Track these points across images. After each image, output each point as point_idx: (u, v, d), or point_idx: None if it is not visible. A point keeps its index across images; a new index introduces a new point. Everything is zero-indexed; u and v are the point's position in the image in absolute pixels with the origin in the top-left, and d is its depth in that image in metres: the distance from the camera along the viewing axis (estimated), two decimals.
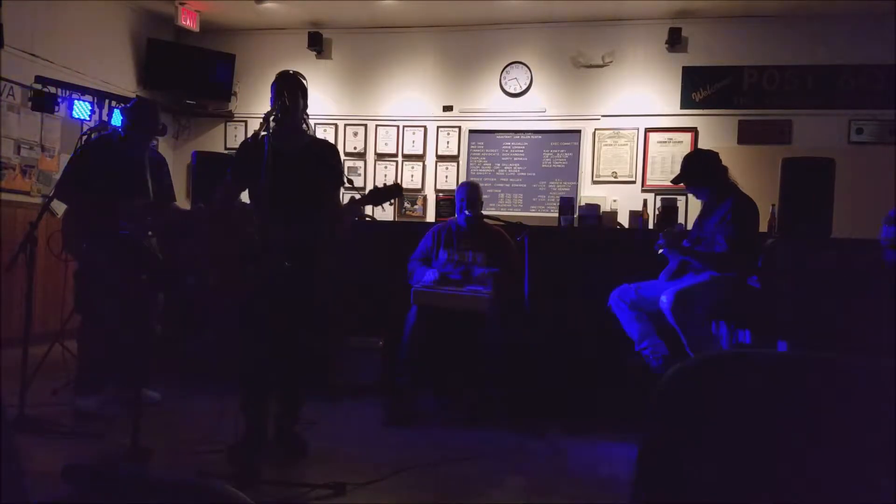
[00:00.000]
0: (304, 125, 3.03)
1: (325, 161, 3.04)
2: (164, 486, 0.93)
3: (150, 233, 3.66)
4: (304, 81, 3.00)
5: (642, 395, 0.82)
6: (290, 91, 2.88)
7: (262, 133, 2.73)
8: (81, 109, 5.68)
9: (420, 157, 7.21)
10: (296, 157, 2.91)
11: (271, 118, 2.77)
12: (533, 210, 6.90)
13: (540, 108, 6.99)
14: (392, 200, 2.99)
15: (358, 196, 2.95)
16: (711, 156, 3.77)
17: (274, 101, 2.86)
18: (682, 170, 3.80)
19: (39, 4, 5.73)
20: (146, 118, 3.72)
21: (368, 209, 4.18)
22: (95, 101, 5.66)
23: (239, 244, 2.84)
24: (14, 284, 4.52)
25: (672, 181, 3.85)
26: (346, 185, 3.07)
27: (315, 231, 2.91)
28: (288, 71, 3.01)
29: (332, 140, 7.26)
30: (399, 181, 7.16)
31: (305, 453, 3.04)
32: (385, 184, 3.01)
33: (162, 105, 4.64)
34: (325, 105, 7.27)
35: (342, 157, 7.10)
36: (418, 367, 3.77)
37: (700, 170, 3.73)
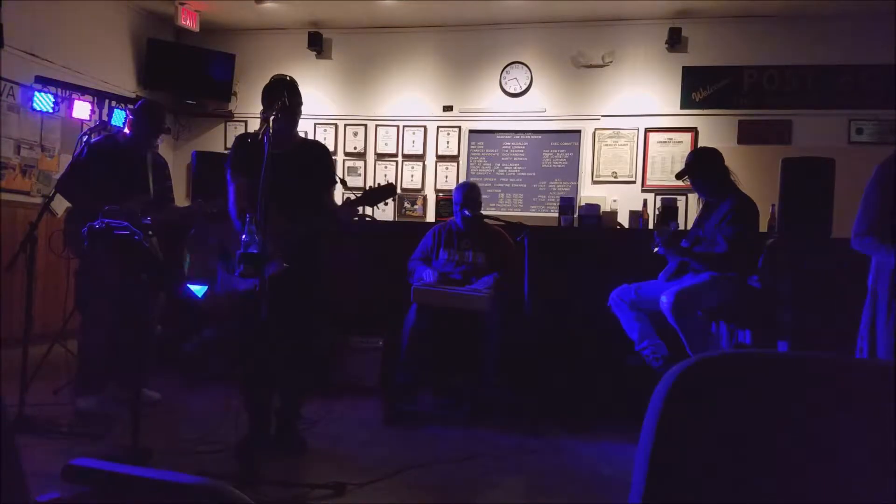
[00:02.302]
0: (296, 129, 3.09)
1: (316, 161, 3.08)
2: (165, 486, 0.93)
3: (150, 232, 3.66)
4: (296, 85, 3.04)
5: (642, 395, 0.82)
6: (290, 94, 2.92)
7: (262, 134, 2.74)
8: (81, 109, 5.68)
9: (420, 157, 7.21)
10: (288, 157, 2.93)
11: (271, 119, 2.78)
12: (533, 210, 6.90)
13: (540, 108, 6.99)
14: (387, 201, 3.02)
15: (353, 197, 2.98)
16: (716, 153, 3.78)
17: (273, 102, 2.87)
18: (686, 164, 3.80)
19: (39, 4, 5.73)
20: (155, 119, 3.76)
21: (368, 209, 4.18)
22: (95, 101, 5.66)
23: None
24: (14, 284, 4.52)
25: (676, 175, 3.87)
26: (338, 184, 3.11)
27: (310, 230, 2.94)
28: (284, 76, 3.02)
29: (332, 140, 7.28)
30: (399, 181, 7.19)
31: (304, 452, 3.06)
32: (379, 184, 3.05)
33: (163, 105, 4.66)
34: (325, 105, 7.27)
35: (338, 157, 7.19)
36: (418, 367, 3.78)
37: (704, 165, 3.74)
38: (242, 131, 7.45)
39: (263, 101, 2.95)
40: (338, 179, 3.11)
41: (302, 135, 3.18)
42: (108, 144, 3.72)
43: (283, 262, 2.75)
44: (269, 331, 2.77)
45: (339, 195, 3.33)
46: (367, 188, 3.00)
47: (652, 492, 0.72)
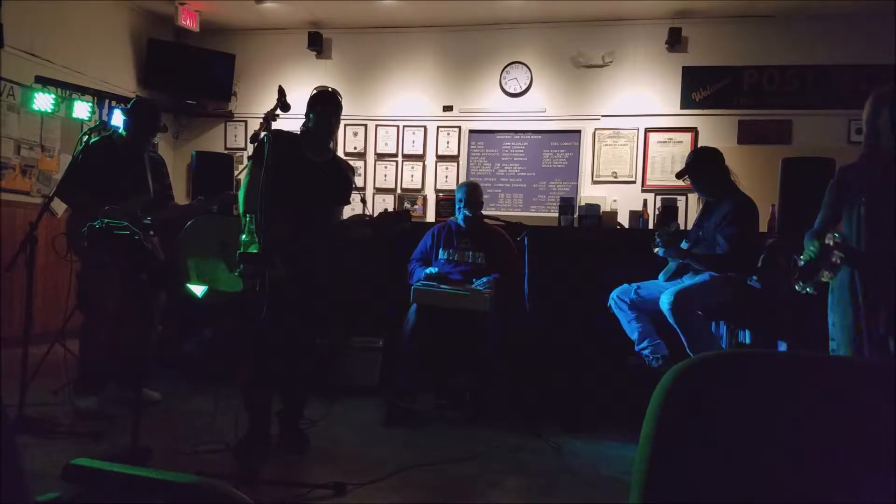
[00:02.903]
0: (332, 141, 3.23)
1: (344, 177, 3.16)
2: (165, 486, 0.93)
3: (151, 232, 3.67)
4: (340, 98, 3.14)
5: (642, 395, 0.82)
6: (335, 112, 3.07)
7: (263, 133, 2.75)
8: (81, 109, 5.68)
9: (420, 157, 7.21)
10: (321, 168, 3.04)
11: (270, 119, 2.79)
12: (533, 210, 6.90)
13: (540, 108, 6.99)
14: (399, 229, 3.04)
15: (367, 216, 3.05)
16: (717, 153, 3.78)
17: (316, 116, 3.03)
18: (686, 164, 3.80)
19: (39, 4, 5.73)
20: (148, 117, 3.76)
21: (367, 209, 4.17)
22: (95, 101, 5.66)
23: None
24: (14, 284, 4.52)
25: (676, 175, 3.86)
26: (350, 202, 3.22)
27: (322, 235, 3.00)
28: (327, 88, 3.11)
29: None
30: (399, 181, 7.19)
31: (309, 451, 3.06)
32: (396, 209, 3.14)
33: (162, 105, 4.67)
34: None
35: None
36: (418, 367, 3.77)
37: (705, 165, 3.73)
38: (242, 131, 7.47)
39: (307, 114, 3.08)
40: (350, 200, 3.22)
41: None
42: (106, 145, 3.72)
43: (282, 264, 2.76)
44: (270, 331, 2.78)
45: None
46: (384, 211, 3.04)
47: (652, 492, 0.72)
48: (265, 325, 2.74)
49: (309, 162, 3.02)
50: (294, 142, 3.00)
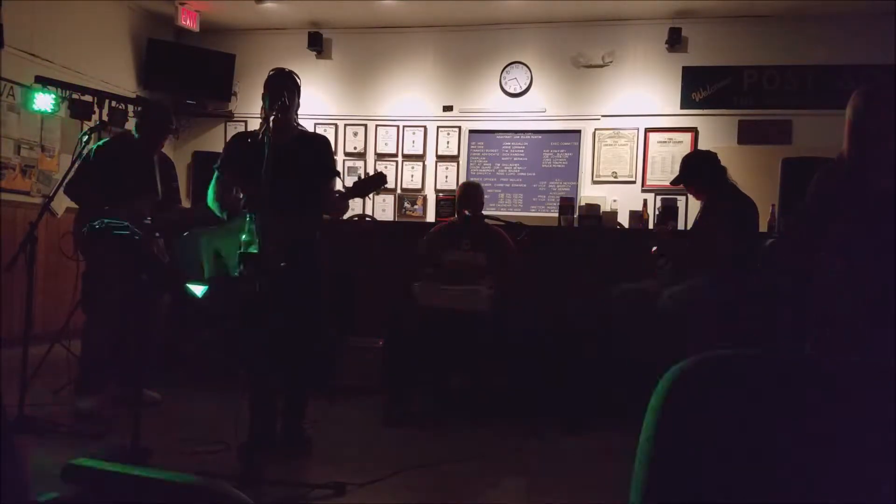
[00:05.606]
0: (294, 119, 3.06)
1: (316, 153, 3.04)
2: (165, 486, 0.93)
3: (157, 234, 3.67)
4: (298, 79, 3.03)
5: (642, 395, 0.82)
6: (289, 90, 2.92)
7: (262, 134, 2.75)
8: (81, 109, 5.67)
9: (420, 157, 7.21)
10: (286, 150, 2.87)
11: (270, 118, 2.77)
12: (533, 210, 6.90)
13: (540, 108, 6.99)
14: (381, 193, 3.01)
15: (343, 190, 2.99)
16: (710, 157, 3.77)
17: (272, 99, 2.87)
18: (680, 171, 3.80)
19: (39, 4, 5.73)
20: (161, 120, 3.78)
21: (368, 210, 4.16)
22: (95, 101, 5.65)
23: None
24: (14, 284, 4.52)
25: (671, 183, 3.86)
26: (338, 177, 3.09)
27: (309, 225, 2.94)
28: (283, 69, 3.02)
29: (332, 140, 7.25)
30: (399, 181, 7.19)
31: (310, 452, 3.06)
32: (368, 174, 3.05)
33: (173, 108, 4.69)
34: (325, 105, 7.27)
35: (338, 157, 7.18)
36: (418, 367, 3.77)
37: (698, 171, 3.74)
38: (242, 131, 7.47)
39: (263, 96, 2.95)
40: (338, 172, 3.11)
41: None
42: (116, 145, 3.73)
43: (280, 262, 2.74)
44: (271, 331, 2.77)
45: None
46: (357, 178, 2.99)
47: (652, 491, 0.72)
48: (265, 325, 2.74)
49: (274, 148, 2.76)
50: (255, 135, 2.86)
